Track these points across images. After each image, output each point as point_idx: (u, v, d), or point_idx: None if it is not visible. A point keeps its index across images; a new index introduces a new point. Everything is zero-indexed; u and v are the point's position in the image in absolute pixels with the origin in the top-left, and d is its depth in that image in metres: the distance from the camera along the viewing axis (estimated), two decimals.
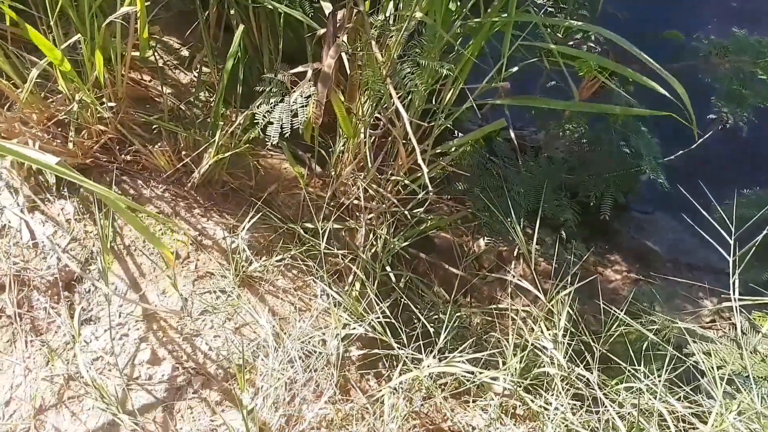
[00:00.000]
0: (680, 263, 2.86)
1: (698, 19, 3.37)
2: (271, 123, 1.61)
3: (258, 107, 1.65)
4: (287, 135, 1.62)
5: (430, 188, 1.48)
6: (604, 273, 2.84)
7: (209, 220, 1.84)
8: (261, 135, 1.67)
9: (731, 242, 1.61)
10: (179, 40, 2.41)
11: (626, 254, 2.87)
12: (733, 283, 1.56)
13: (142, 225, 1.60)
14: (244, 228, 1.80)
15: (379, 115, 2.00)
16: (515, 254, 2.53)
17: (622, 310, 1.74)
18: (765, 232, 1.69)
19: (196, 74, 2.24)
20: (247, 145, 1.85)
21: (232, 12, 2.09)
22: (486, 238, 2.51)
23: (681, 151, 2.87)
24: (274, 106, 1.63)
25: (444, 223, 2.25)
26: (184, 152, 1.86)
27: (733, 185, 2.68)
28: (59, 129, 1.85)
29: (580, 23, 1.73)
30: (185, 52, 2.37)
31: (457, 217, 2.44)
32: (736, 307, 1.58)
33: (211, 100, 2.16)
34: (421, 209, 2.17)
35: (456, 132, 2.76)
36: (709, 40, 2.41)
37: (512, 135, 2.56)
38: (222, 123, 1.81)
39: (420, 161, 1.51)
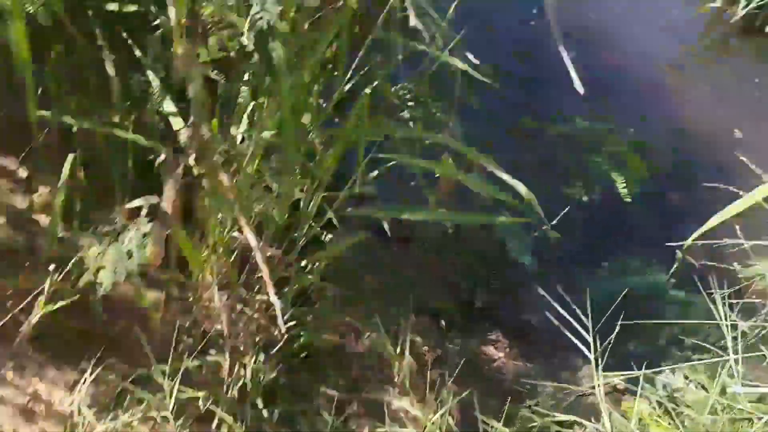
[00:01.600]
0: (557, 337, 2.94)
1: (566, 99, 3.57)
2: (103, 267, 1.46)
3: (88, 250, 1.49)
4: (123, 279, 1.47)
5: (283, 330, 1.39)
6: (488, 352, 2.86)
7: (42, 380, 1.61)
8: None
9: (590, 339, 1.67)
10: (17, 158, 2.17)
11: (506, 331, 2.91)
12: (599, 385, 1.59)
13: None
14: (85, 382, 1.59)
15: (237, 234, 1.90)
16: (398, 351, 2.47)
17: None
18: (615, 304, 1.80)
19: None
20: (88, 287, 1.66)
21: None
22: (368, 335, 2.46)
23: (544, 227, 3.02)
24: (107, 247, 1.48)
25: (319, 336, 2.15)
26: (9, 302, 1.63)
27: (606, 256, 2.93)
28: None
29: (429, 134, 1.76)
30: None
31: (337, 322, 2.35)
32: (605, 408, 1.60)
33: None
34: (293, 323, 2.06)
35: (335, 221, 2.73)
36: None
37: (386, 227, 2.57)
38: (53, 267, 1.62)
39: (273, 299, 1.42)
